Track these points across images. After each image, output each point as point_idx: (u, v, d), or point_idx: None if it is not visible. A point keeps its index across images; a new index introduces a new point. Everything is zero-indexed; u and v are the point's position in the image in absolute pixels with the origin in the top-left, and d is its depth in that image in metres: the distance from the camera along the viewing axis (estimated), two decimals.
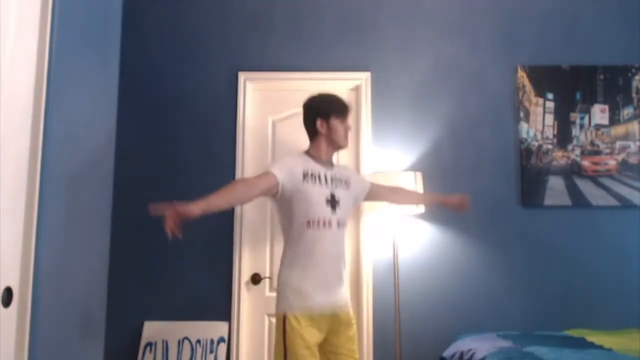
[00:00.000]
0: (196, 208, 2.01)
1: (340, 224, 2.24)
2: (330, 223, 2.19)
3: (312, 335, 2.13)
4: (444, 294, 3.05)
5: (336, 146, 2.35)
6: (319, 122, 2.30)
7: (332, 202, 2.22)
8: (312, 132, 2.34)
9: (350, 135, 3.24)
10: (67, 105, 2.41)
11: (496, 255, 3.09)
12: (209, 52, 3.25)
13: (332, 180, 2.27)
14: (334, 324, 2.21)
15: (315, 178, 2.22)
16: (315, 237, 2.17)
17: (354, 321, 2.30)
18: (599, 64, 3.25)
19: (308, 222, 2.17)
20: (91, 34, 2.76)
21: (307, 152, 2.34)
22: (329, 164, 2.34)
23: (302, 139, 3.17)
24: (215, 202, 2.14)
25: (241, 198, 2.25)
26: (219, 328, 2.98)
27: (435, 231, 3.11)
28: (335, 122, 2.31)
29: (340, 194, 2.26)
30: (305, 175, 2.20)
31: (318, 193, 2.20)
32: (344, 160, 3.23)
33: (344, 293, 2.27)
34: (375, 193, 2.53)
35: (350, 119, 3.25)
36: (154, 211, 1.90)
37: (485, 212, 3.12)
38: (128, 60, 3.22)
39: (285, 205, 2.22)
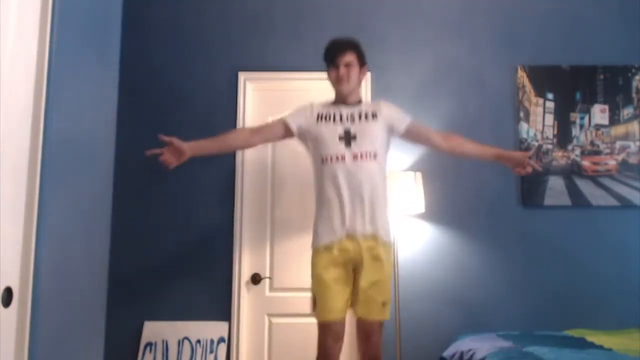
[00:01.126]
0: (186, 145, 2.32)
1: (359, 157, 2.29)
2: (343, 157, 2.29)
3: (327, 272, 2.26)
4: (444, 294, 3.05)
5: (335, 91, 2.44)
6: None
7: (347, 137, 2.32)
8: None
9: None
10: (67, 105, 2.41)
11: (496, 255, 3.09)
12: (209, 52, 3.25)
13: (348, 117, 2.37)
14: (356, 259, 2.28)
15: (329, 118, 2.37)
16: (328, 173, 2.30)
17: (383, 257, 2.27)
18: (599, 64, 3.25)
19: (322, 160, 2.32)
20: (91, 34, 2.76)
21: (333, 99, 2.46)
22: (347, 104, 2.41)
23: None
24: (205, 143, 2.43)
25: (236, 142, 2.53)
26: (219, 328, 2.98)
27: (435, 231, 3.11)
28: (328, 69, 2.43)
29: (358, 128, 2.33)
30: (319, 117, 2.38)
31: (330, 131, 2.33)
32: None
33: (366, 224, 2.27)
34: (419, 134, 2.52)
35: None
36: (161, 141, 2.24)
37: (485, 212, 3.12)
38: (128, 60, 3.22)
39: (308, 146, 2.43)
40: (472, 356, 2.41)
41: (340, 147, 2.30)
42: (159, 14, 3.28)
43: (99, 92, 2.89)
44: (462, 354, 2.51)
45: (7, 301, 1.84)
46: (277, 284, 3.10)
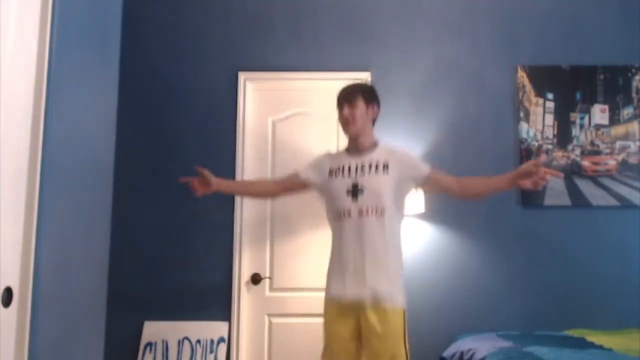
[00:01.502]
0: (215, 179, 2.35)
1: (365, 212, 2.18)
2: (349, 213, 2.20)
3: (338, 326, 2.24)
4: (444, 294, 3.05)
5: (347, 136, 2.39)
6: None
7: (354, 191, 2.21)
8: None
9: None
10: (67, 105, 2.41)
11: (496, 255, 3.09)
12: (209, 52, 3.25)
13: (357, 168, 2.26)
14: (362, 319, 2.19)
15: (339, 171, 2.29)
16: (338, 229, 2.25)
17: (389, 320, 2.16)
18: (599, 64, 3.25)
19: (334, 216, 2.27)
20: (91, 34, 2.76)
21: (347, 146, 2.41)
22: (359, 152, 2.32)
23: (302, 139, 3.18)
24: (233, 184, 2.54)
25: (260, 191, 2.61)
26: (219, 328, 2.98)
27: (435, 231, 3.11)
28: (339, 114, 2.36)
29: (366, 181, 2.22)
30: (331, 172, 2.32)
31: (339, 185, 2.25)
32: None
33: (366, 288, 2.16)
34: (438, 184, 2.38)
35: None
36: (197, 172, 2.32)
37: (485, 212, 3.12)
38: (128, 60, 3.22)
39: (322, 200, 2.40)
40: (472, 356, 2.41)
41: (348, 202, 2.21)
42: (159, 14, 3.28)
43: (99, 92, 2.89)
44: (462, 354, 2.51)
45: (7, 301, 1.84)
46: (277, 284, 3.10)
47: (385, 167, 2.25)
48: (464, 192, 2.39)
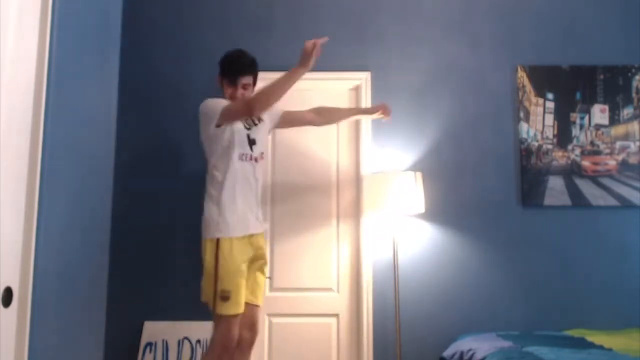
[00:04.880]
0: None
1: (259, 159, 2.55)
2: (251, 157, 2.51)
3: (242, 261, 2.46)
4: (444, 294, 3.05)
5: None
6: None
7: (249, 142, 2.51)
8: None
9: (350, 135, 3.26)
10: (67, 105, 2.41)
11: (496, 255, 3.09)
12: (209, 52, 3.25)
13: (248, 126, 2.56)
14: (256, 247, 2.54)
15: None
16: (240, 169, 2.51)
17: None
18: (599, 64, 3.25)
19: (238, 156, 2.53)
20: (91, 34, 2.76)
21: None
22: None
23: (302, 139, 3.18)
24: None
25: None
26: None
27: (435, 231, 3.11)
28: (225, 83, 2.58)
29: (256, 133, 2.55)
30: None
31: (242, 133, 2.53)
32: (344, 162, 3.23)
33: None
34: (296, 117, 2.75)
35: (351, 119, 3.26)
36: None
37: (485, 212, 3.12)
38: (128, 60, 3.22)
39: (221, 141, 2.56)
40: (472, 356, 2.41)
41: (247, 149, 2.47)
42: (159, 14, 3.28)
43: (99, 92, 2.89)
44: (462, 354, 2.51)
45: (7, 301, 1.84)
46: (277, 284, 3.10)
47: (261, 120, 2.59)
48: (322, 118, 2.77)
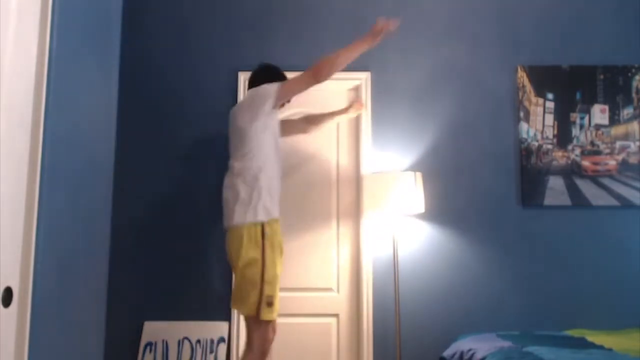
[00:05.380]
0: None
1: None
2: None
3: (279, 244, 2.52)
4: (444, 293, 3.05)
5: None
6: None
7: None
8: None
9: (350, 135, 3.26)
10: (67, 105, 2.41)
11: (496, 255, 3.09)
12: (209, 52, 3.25)
13: None
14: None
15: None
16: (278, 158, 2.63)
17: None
18: (599, 64, 3.25)
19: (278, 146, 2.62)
20: (91, 34, 2.76)
21: None
22: None
23: (302, 139, 3.18)
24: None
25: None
26: (219, 328, 2.98)
27: (435, 231, 3.11)
28: None
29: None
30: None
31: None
32: (343, 162, 3.23)
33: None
34: (288, 127, 2.91)
35: (350, 119, 3.27)
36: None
37: (485, 212, 3.12)
38: (128, 60, 3.22)
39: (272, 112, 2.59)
40: (472, 356, 2.41)
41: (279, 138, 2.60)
42: (159, 14, 3.28)
43: (99, 92, 2.89)
44: (462, 354, 2.51)
45: (7, 301, 1.84)
46: None
47: None
48: (311, 125, 2.97)
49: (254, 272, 2.35)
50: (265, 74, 2.66)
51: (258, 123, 2.46)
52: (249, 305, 2.34)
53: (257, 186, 2.41)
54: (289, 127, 2.91)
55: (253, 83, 2.68)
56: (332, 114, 3.03)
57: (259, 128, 2.46)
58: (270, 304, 2.34)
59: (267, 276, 2.34)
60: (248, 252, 2.36)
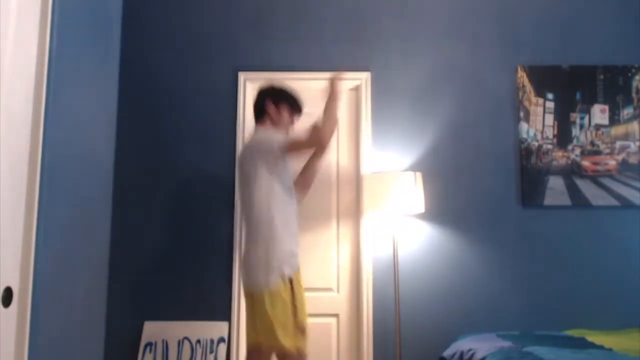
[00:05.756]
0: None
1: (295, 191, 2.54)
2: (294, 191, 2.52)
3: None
4: (444, 293, 3.05)
5: (284, 130, 2.56)
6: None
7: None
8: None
9: (350, 135, 3.26)
10: (67, 105, 2.41)
11: (496, 255, 3.09)
12: (209, 52, 3.25)
13: None
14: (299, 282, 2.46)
15: None
16: (290, 203, 2.48)
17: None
18: (599, 64, 3.25)
19: (289, 190, 2.46)
20: (91, 34, 2.76)
21: None
22: None
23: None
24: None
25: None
26: (219, 328, 2.98)
27: (435, 231, 3.11)
28: (293, 115, 2.60)
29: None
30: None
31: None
32: (343, 162, 3.23)
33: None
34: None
35: (350, 119, 3.27)
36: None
37: (485, 212, 3.12)
38: (128, 60, 3.22)
39: (278, 172, 2.45)
40: (472, 356, 2.41)
41: (291, 184, 2.48)
42: (159, 13, 3.28)
43: (99, 92, 2.89)
44: (462, 354, 2.51)
45: (7, 301, 1.84)
46: None
47: None
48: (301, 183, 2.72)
49: (282, 302, 2.27)
50: (268, 99, 2.55)
51: (262, 179, 2.35)
52: (278, 335, 2.24)
53: (273, 239, 2.30)
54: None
55: (257, 108, 2.58)
56: (310, 162, 2.72)
57: (264, 181, 2.35)
58: (303, 330, 2.28)
59: (298, 301, 2.29)
60: (276, 311, 2.26)
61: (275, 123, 2.53)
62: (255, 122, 2.60)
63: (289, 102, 2.57)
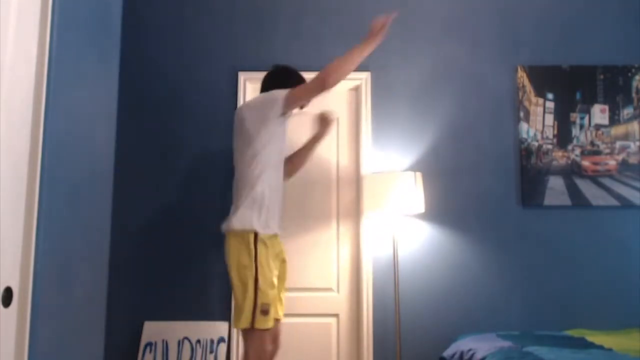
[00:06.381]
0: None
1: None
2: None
3: (274, 256, 2.49)
4: (444, 293, 3.05)
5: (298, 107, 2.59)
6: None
7: None
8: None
9: (350, 135, 3.26)
10: (67, 105, 2.41)
11: (496, 255, 3.09)
12: (209, 52, 3.25)
13: None
14: (279, 248, 2.56)
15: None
16: (280, 173, 2.53)
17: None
18: (599, 64, 3.25)
19: (281, 159, 2.53)
20: (91, 34, 2.76)
21: None
22: None
23: (302, 139, 3.18)
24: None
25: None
26: (219, 328, 2.98)
27: (435, 231, 3.11)
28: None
29: None
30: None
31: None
32: (343, 162, 3.23)
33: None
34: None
35: (350, 119, 3.27)
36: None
37: (485, 212, 3.12)
38: (128, 60, 3.22)
39: (272, 141, 2.48)
40: (472, 356, 2.41)
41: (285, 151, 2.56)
42: (159, 14, 3.28)
43: (99, 91, 2.89)
44: (462, 354, 2.51)
45: (7, 301, 1.84)
46: None
47: None
48: (292, 165, 2.77)
49: (247, 276, 2.27)
50: (277, 78, 2.56)
51: (265, 130, 2.38)
52: (245, 315, 2.24)
53: (254, 195, 2.34)
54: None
55: (265, 85, 2.60)
56: (306, 145, 2.82)
57: (265, 136, 2.38)
58: (265, 312, 2.24)
59: (260, 283, 2.26)
60: (241, 258, 2.30)
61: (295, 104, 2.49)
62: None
63: (298, 81, 2.54)
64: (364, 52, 2.38)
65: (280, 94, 2.40)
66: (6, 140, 1.86)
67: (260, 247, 2.30)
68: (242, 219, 2.33)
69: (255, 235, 2.30)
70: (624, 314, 3.02)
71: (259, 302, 2.24)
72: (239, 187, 2.41)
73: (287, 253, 3.11)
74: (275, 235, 2.42)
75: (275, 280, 2.34)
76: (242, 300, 2.26)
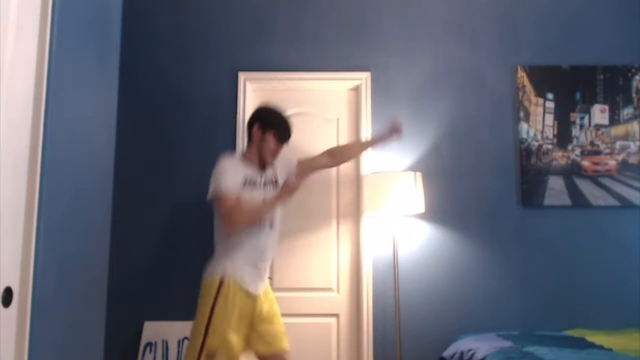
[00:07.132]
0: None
1: (273, 225, 2.42)
2: (264, 223, 2.38)
3: (241, 310, 2.36)
4: (444, 293, 3.05)
5: (263, 156, 2.45)
6: (255, 128, 2.44)
7: None
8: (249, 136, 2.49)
9: (350, 135, 3.26)
10: (67, 105, 2.41)
11: (496, 255, 3.09)
12: (209, 52, 3.25)
13: (264, 184, 2.43)
14: (255, 307, 2.39)
15: (252, 184, 2.39)
16: (253, 234, 2.36)
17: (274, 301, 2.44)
18: (599, 64, 3.25)
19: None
20: (91, 34, 2.76)
21: (244, 156, 2.48)
22: (263, 169, 2.46)
23: (302, 139, 3.18)
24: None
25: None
26: None
27: (435, 231, 3.11)
28: (274, 140, 2.43)
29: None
30: (245, 182, 2.37)
31: (257, 197, 2.36)
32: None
33: (265, 280, 2.43)
34: (310, 166, 2.61)
35: (350, 119, 3.27)
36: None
37: (485, 212, 3.12)
38: (128, 60, 3.22)
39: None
40: (472, 356, 2.41)
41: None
42: (159, 14, 3.28)
43: (99, 92, 2.89)
44: (462, 354, 2.51)
45: (7, 301, 1.84)
46: (277, 284, 3.10)
47: (277, 181, 2.46)
48: (337, 159, 2.70)
49: (202, 318, 2.25)
50: (257, 117, 2.48)
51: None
52: (191, 357, 2.21)
53: (227, 246, 2.34)
54: (309, 165, 2.62)
55: (249, 121, 2.52)
56: (364, 145, 2.82)
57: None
58: (210, 356, 2.19)
59: (211, 330, 2.22)
60: (203, 300, 2.32)
61: (259, 149, 2.43)
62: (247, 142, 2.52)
63: (277, 130, 2.43)
64: (274, 205, 2.35)
65: (218, 185, 2.33)
66: (6, 140, 1.86)
67: (221, 297, 2.28)
68: (213, 265, 2.37)
69: (221, 283, 2.30)
70: (624, 314, 3.02)
71: (207, 345, 2.21)
72: (216, 237, 2.42)
73: (287, 253, 3.11)
74: (250, 295, 2.32)
75: (230, 337, 2.24)
76: (190, 340, 2.28)
